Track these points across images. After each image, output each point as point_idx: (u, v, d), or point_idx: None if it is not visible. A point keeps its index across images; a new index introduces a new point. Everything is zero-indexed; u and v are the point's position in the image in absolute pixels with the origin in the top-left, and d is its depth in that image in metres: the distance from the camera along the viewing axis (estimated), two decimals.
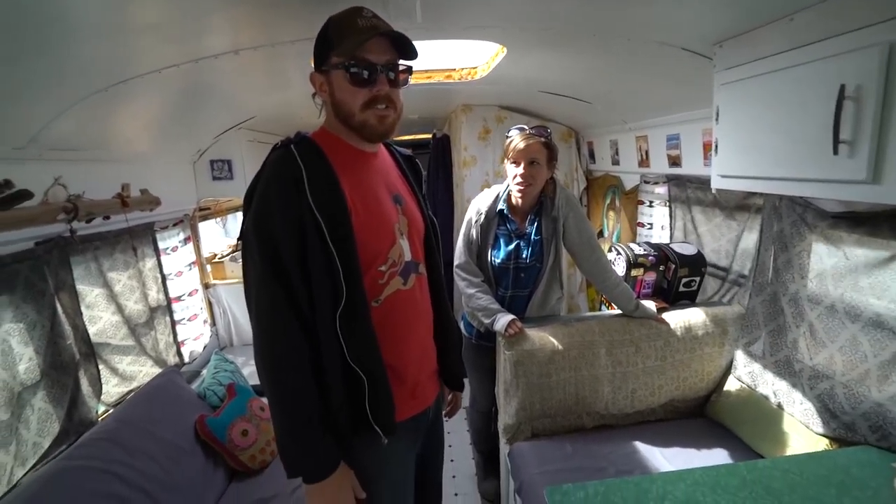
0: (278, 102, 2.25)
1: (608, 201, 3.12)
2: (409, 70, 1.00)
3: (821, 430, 1.38)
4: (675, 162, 2.18)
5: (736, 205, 1.85)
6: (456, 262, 1.84)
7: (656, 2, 1.22)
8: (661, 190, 2.41)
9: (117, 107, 1.50)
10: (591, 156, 3.20)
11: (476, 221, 1.79)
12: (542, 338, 1.75)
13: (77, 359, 1.58)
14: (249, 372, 2.28)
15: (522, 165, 1.63)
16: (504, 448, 1.85)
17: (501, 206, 1.77)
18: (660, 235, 2.50)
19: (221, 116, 2.29)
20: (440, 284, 1.19)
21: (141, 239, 2.03)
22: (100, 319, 1.78)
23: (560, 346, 1.74)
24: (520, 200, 1.71)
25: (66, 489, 1.21)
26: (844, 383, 1.33)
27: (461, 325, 2.01)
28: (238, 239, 0.97)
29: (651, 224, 2.52)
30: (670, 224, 2.28)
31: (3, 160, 1.26)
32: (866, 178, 0.92)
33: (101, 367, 1.70)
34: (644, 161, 2.47)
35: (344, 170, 0.96)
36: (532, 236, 1.76)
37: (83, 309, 1.64)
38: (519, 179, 1.65)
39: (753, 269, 1.73)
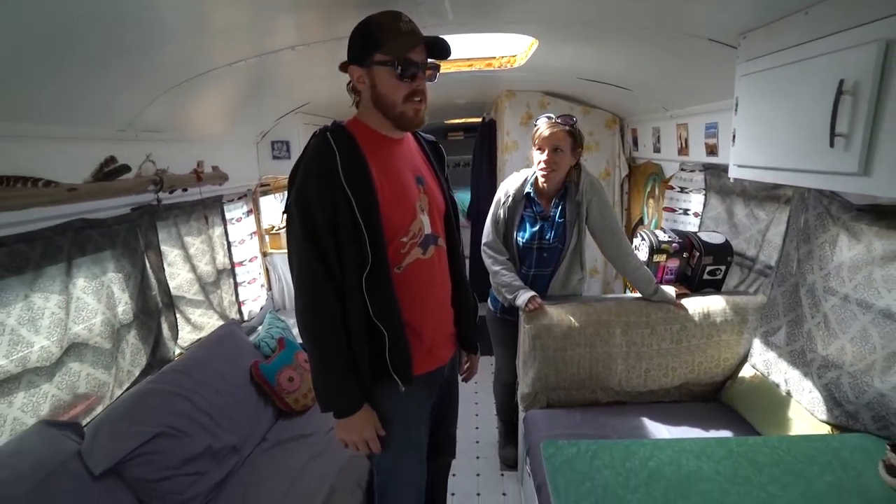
0: (330, 89, 2.46)
1: (648, 189, 3.11)
2: (437, 67, 1.15)
3: (824, 417, 1.41)
4: (712, 151, 2.17)
5: (766, 195, 1.84)
6: (483, 241, 1.97)
7: None
8: (699, 178, 2.40)
9: (195, 95, 1.76)
10: (635, 143, 3.18)
11: (504, 203, 1.91)
12: (560, 314, 1.86)
13: (160, 307, 1.90)
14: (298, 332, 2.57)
15: (546, 152, 1.73)
16: (521, 415, 2.00)
17: (528, 189, 1.88)
18: (695, 222, 2.49)
19: (281, 102, 2.54)
20: (458, 256, 1.33)
21: (211, 209, 2.33)
22: (178, 276, 2.11)
23: (576, 323, 1.84)
24: (544, 185, 1.82)
25: (151, 405, 1.52)
26: (851, 373, 1.35)
27: (489, 301, 2.15)
28: (283, 212, 1.16)
29: (686, 210, 2.51)
30: (702, 212, 2.27)
31: (109, 140, 1.55)
32: (858, 171, 0.96)
33: (177, 315, 2.02)
34: (683, 149, 2.46)
35: (372, 153, 1.12)
36: (556, 219, 1.86)
37: (165, 266, 1.96)
38: (543, 165, 1.75)
39: (779, 259, 1.73)
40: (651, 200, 3.08)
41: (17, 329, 1.34)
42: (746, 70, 1.34)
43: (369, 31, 1.09)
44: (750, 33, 1.33)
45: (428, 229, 1.21)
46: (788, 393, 1.56)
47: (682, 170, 2.50)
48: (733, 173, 1.43)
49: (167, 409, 1.52)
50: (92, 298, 1.59)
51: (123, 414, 1.42)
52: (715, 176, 2.20)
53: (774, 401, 1.60)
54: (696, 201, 2.49)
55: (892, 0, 0.88)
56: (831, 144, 1.00)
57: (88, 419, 1.52)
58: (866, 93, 0.93)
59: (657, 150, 2.81)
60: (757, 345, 1.77)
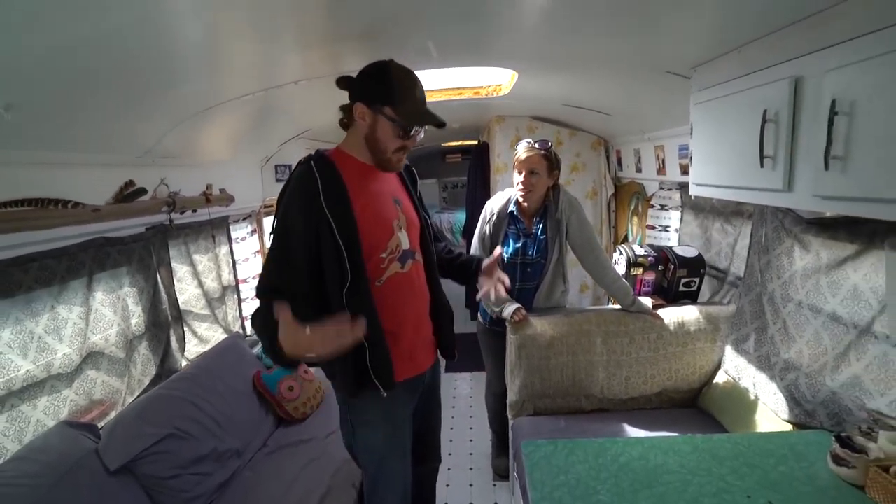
0: (329, 118, 2.62)
1: (633, 207, 3.25)
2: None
3: (787, 416, 1.51)
4: (685, 170, 2.32)
5: (732, 211, 1.98)
6: None
7: (636, 33, 1.43)
8: (677, 196, 2.55)
9: (206, 125, 1.94)
10: (619, 163, 3.35)
11: (489, 220, 2.06)
12: (544, 325, 1.98)
13: (169, 320, 2.04)
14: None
15: (524, 174, 1.89)
16: (510, 423, 2.10)
17: (512, 207, 2.03)
18: (675, 238, 2.62)
19: (284, 129, 2.73)
20: (434, 269, 1.45)
21: (218, 229, 2.49)
22: (186, 291, 2.25)
23: (559, 333, 1.96)
24: (525, 204, 1.97)
25: (162, 409, 1.64)
26: (807, 374, 1.46)
27: (479, 314, 2.28)
28: (271, 233, 1.27)
29: (666, 227, 2.65)
30: (679, 228, 2.41)
31: (130, 165, 1.72)
32: (783, 188, 1.10)
33: (185, 328, 2.15)
34: (662, 169, 2.61)
35: (352, 180, 1.25)
36: (538, 235, 2.01)
37: (175, 282, 2.10)
38: (520, 186, 1.91)
39: (745, 271, 1.86)
40: (635, 218, 3.22)
41: (43, 337, 1.48)
42: (698, 99, 1.50)
43: (389, 84, 1.20)
44: (700, 67, 1.50)
45: (406, 245, 1.33)
46: (756, 396, 1.66)
47: (662, 188, 2.66)
48: (693, 191, 1.58)
49: (176, 413, 1.64)
50: (109, 310, 1.73)
51: (136, 416, 1.55)
52: (688, 193, 2.34)
53: (744, 404, 1.70)
54: (674, 218, 2.64)
55: (800, 44, 1.04)
56: (761, 165, 1.15)
57: (102, 423, 1.64)
58: (784, 120, 1.08)
59: (639, 170, 2.97)
60: (729, 352, 1.88)
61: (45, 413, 1.47)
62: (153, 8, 0.95)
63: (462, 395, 3.43)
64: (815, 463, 1.26)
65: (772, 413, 1.58)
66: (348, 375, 1.25)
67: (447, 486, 2.41)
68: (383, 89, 1.20)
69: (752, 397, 1.69)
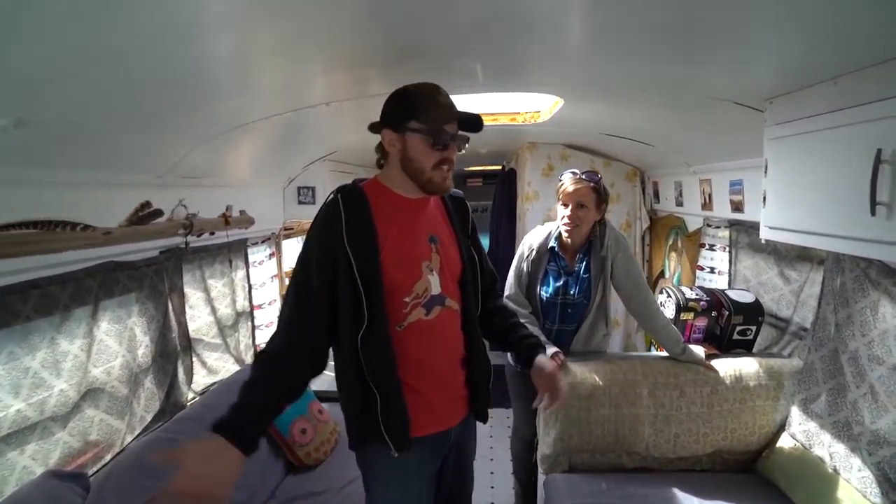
0: (357, 139, 2.55)
1: (671, 242, 3.08)
2: (467, 139, 1.18)
3: (879, 501, 1.30)
4: (737, 207, 2.16)
5: (797, 255, 1.80)
6: (505, 293, 1.95)
7: (704, 62, 1.30)
8: (724, 234, 2.37)
9: (230, 144, 1.83)
10: (657, 195, 3.19)
11: (527, 256, 1.90)
12: (584, 372, 1.80)
13: (178, 350, 1.89)
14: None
15: (570, 207, 1.74)
16: (541, 478, 1.89)
17: (553, 243, 1.87)
18: (720, 280, 2.44)
19: (310, 150, 2.64)
20: (473, 319, 1.28)
21: (236, 252, 2.36)
22: (198, 318, 2.11)
23: (601, 382, 1.77)
24: (568, 239, 1.81)
25: None
26: None
27: (508, 354, 2.10)
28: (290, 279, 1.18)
29: (713, 268, 2.47)
30: (729, 270, 2.23)
31: (148, 186, 1.60)
32: None
33: (194, 359, 2.01)
34: (707, 204, 2.45)
35: (383, 214, 1.13)
36: (581, 274, 1.84)
37: (186, 309, 1.97)
38: (566, 220, 1.75)
39: (814, 322, 1.67)
40: (673, 253, 3.05)
41: (39, 372, 1.33)
42: (775, 134, 1.35)
43: (407, 100, 1.12)
44: (776, 99, 1.35)
45: (436, 290, 1.18)
46: (835, 470, 1.45)
47: (709, 225, 2.48)
48: (765, 235, 1.41)
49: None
50: (114, 341, 1.59)
51: (130, 466, 1.38)
52: (742, 233, 2.17)
53: (820, 477, 1.49)
54: (719, 259, 2.45)
55: None
56: (872, 213, 0.98)
57: (96, 468, 1.48)
58: None
59: (679, 204, 2.81)
60: (795, 413, 1.67)
61: (34, 458, 1.32)
62: (185, 17, 0.84)
63: (481, 433, 3.20)
64: None
65: (857, 493, 1.37)
66: (353, 423, 1.14)
67: None
68: (403, 106, 1.12)
69: (830, 470, 1.47)
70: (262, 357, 1.13)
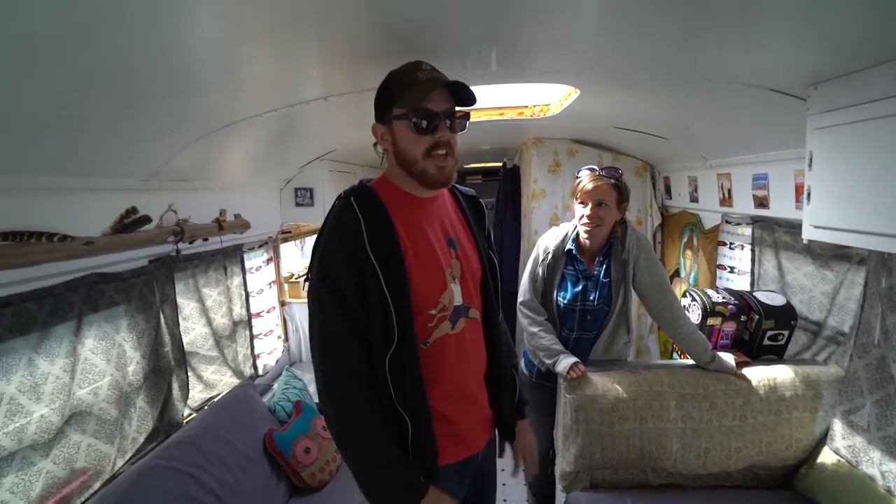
0: (357, 138, 2.42)
1: (685, 239, 2.95)
2: (466, 116, 1.04)
3: None
4: (761, 203, 2.04)
5: (832, 254, 1.68)
6: (520, 299, 1.83)
7: (739, 45, 1.17)
8: (746, 231, 2.24)
9: (222, 144, 1.71)
10: (668, 191, 3.06)
11: (543, 260, 1.78)
12: (606, 384, 1.68)
13: (172, 365, 1.77)
14: (315, 389, 2.41)
15: (590, 206, 1.61)
16: (560, 496, 1.78)
17: (570, 245, 1.74)
18: (740, 281, 2.31)
19: (307, 149, 2.50)
20: (495, 330, 1.17)
21: (231, 259, 2.24)
22: (192, 330, 1.99)
23: (625, 395, 1.65)
24: (587, 241, 1.69)
25: (152, 486, 1.36)
26: None
27: (522, 363, 1.98)
28: (305, 280, 1.04)
29: (733, 268, 2.34)
30: (752, 269, 2.10)
31: (133, 190, 1.48)
32: None
33: (189, 373, 1.89)
34: (726, 200, 2.32)
35: (399, 217, 1.01)
36: (600, 278, 1.71)
37: (180, 320, 1.84)
38: (585, 220, 1.63)
39: (856, 327, 1.54)
40: (689, 252, 2.92)
41: (16, 398, 1.22)
42: (821, 123, 1.22)
43: (387, 86, 1.02)
44: (823, 84, 1.22)
45: (459, 300, 1.07)
46: (889, 490, 1.33)
47: (728, 222, 2.36)
48: (809, 235, 1.28)
49: (169, 491, 1.36)
50: (101, 359, 1.47)
51: (120, 499, 1.26)
52: (767, 230, 2.04)
53: (869, 497, 1.37)
54: (739, 257, 2.33)
55: None
56: None
57: (83, 497, 1.36)
58: None
59: (694, 200, 2.68)
60: (838, 426, 1.55)
61: (13, 492, 1.20)
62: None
63: None
64: None
65: None
66: None
67: None
68: (384, 94, 1.02)
69: (883, 490, 1.35)
70: (342, 421, 0.99)
